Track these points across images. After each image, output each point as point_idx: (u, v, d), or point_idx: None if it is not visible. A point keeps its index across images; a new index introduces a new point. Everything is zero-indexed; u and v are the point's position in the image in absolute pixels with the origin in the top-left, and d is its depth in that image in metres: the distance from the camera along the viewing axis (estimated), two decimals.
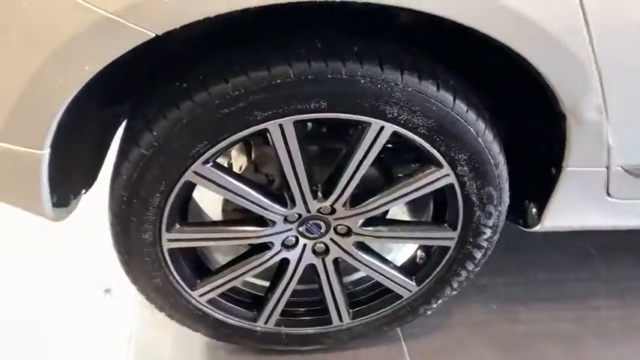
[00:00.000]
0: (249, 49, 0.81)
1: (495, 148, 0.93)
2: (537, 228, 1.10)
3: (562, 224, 1.09)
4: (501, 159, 0.95)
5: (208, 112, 0.80)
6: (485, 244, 1.06)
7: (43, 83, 0.72)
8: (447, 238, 1.05)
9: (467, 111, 0.87)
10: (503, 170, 0.97)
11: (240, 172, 1.02)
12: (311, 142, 0.98)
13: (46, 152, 0.81)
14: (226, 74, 0.79)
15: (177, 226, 0.95)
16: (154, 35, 0.69)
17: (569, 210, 1.06)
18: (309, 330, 1.18)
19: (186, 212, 0.99)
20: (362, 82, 0.80)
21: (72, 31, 0.68)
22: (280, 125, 0.84)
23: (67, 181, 0.93)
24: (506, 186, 0.99)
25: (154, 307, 1.07)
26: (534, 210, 1.09)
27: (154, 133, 0.82)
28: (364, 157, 0.90)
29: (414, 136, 0.88)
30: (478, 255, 1.08)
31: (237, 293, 1.13)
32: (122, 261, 0.98)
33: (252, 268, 1.05)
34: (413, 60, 0.83)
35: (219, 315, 1.10)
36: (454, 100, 0.86)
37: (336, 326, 1.17)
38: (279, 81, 0.79)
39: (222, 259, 1.12)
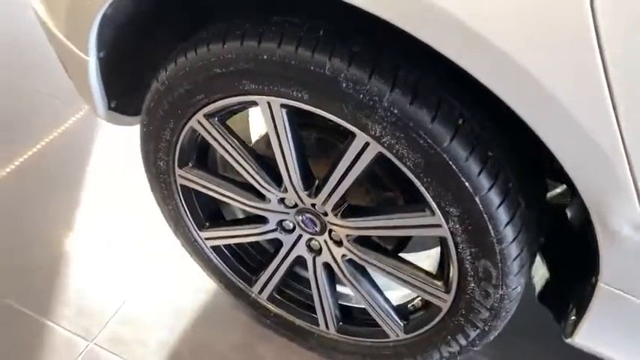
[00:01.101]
0: (258, 17, 0.79)
1: (502, 217, 0.75)
2: (569, 340, 0.87)
3: (594, 347, 0.84)
4: (509, 234, 0.77)
5: (205, 67, 0.82)
6: (480, 324, 0.88)
7: None
8: (438, 297, 0.90)
9: (466, 159, 0.72)
10: (511, 248, 0.78)
11: (251, 140, 1.02)
12: (313, 131, 0.93)
13: (92, 59, 0.93)
14: (227, 36, 0.79)
15: (190, 165, 1.01)
16: None
17: (602, 334, 0.81)
18: (297, 321, 1.15)
19: (205, 157, 1.04)
20: (343, 85, 0.72)
21: None
22: (268, 103, 0.81)
23: (125, 91, 1.05)
24: (514, 268, 0.80)
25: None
26: (573, 317, 0.86)
27: (167, 73, 0.88)
28: (348, 169, 0.82)
29: (402, 166, 0.76)
30: (471, 333, 0.90)
31: (245, 252, 1.16)
32: (148, 179, 1.09)
33: (246, 235, 1.07)
34: (414, 80, 0.71)
35: (220, 265, 1.15)
36: (451, 140, 0.71)
37: (322, 331, 1.12)
38: (265, 57, 0.76)
39: (232, 214, 1.15)
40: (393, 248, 1.00)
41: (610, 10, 0.52)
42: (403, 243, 1.01)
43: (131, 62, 1.00)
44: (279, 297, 1.15)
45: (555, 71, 0.56)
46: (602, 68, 0.54)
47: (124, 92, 1.05)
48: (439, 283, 0.89)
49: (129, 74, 1.02)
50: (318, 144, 0.94)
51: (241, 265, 1.15)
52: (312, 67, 0.73)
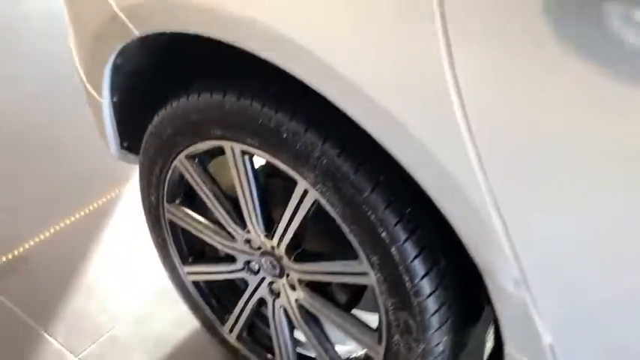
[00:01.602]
0: (228, 77, 0.93)
1: (418, 270, 0.80)
2: None
3: None
4: (426, 288, 0.81)
5: (184, 115, 0.96)
6: None
7: (95, 47, 1.01)
8: (373, 348, 0.94)
9: (384, 209, 0.79)
10: (429, 303, 0.82)
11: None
12: (277, 177, 1.02)
13: (106, 102, 1.10)
14: (201, 90, 0.93)
15: (177, 202, 1.14)
16: (138, 34, 0.89)
17: None
18: None
19: (192, 195, 1.16)
20: (284, 135, 0.83)
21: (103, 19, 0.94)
22: (232, 149, 0.93)
23: (136, 132, 1.21)
24: (433, 324, 0.84)
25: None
26: None
27: (158, 118, 1.03)
28: (293, 214, 0.91)
29: (333, 213, 0.85)
30: None
31: (220, 289, 1.24)
32: (144, 213, 1.22)
33: (219, 273, 1.16)
34: (343, 135, 0.81)
35: (199, 300, 1.24)
36: (371, 191, 0.79)
37: None
38: (227, 107, 0.89)
39: (215, 252, 1.25)
40: (347, 300, 1.05)
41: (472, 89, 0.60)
42: (357, 295, 1.06)
43: (141, 107, 1.16)
44: (247, 337, 1.22)
45: (426, 126, 0.65)
46: (468, 130, 0.62)
47: (135, 133, 1.21)
48: (374, 334, 0.94)
49: (139, 117, 1.18)
50: (280, 190, 1.04)
51: (216, 302, 1.24)
52: (261, 119, 0.85)
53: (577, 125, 0.57)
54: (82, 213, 1.71)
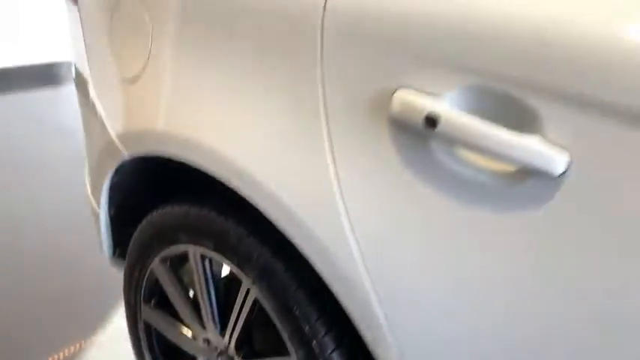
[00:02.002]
0: (194, 184, 1.12)
1: None
2: None
3: None
4: None
5: (159, 222, 1.14)
6: None
7: (98, 166, 1.24)
8: None
9: (308, 305, 0.92)
10: None
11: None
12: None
13: (103, 214, 1.30)
14: (174, 203, 1.12)
15: (152, 303, 1.28)
16: (127, 156, 1.11)
17: None
18: None
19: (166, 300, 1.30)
20: (232, 239, 1.00)
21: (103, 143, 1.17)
22: (193, 252, 1.09)
23: (128, 242, 1.39)
24: None
25: None
26: None
27: (140, 225, 1.21)
28: (238, 314, 1.04)
29: (268, 310, 0.97)
30: None
31: None
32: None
33: None
34: (276, 239, 0.96)
35: None
36: (296, 289, 0.93)
37: None
38: (184, 215, 1.07)
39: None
40: None
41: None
42: None
43: (134, 219, 1.36)
44: None
45: (317, 225, 0.80)
46: (352, 231, 0.77)
47: (127, 243, 1.39)
48: None
49: (132, 229, 1.37)
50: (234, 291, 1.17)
51: None
52: (215, 226, 1.02)
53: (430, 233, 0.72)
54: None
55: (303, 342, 0.93)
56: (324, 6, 0.75)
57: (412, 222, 0.72)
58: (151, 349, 1.31)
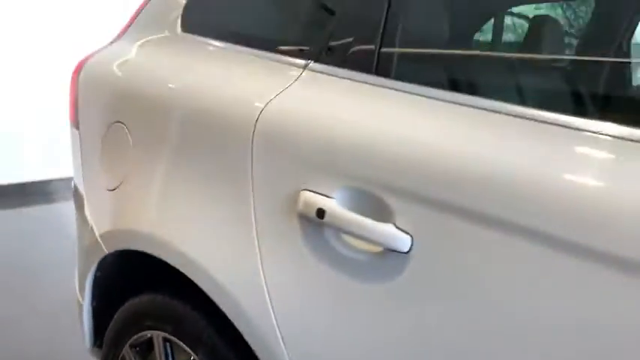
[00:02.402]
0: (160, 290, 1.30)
1: None
2: None
3: None
4: None
5: (128, 311, 1.32)
6: None
7: (84, 261, 1.44)
8: None
9: None
10: None
11: None
12: None
13: (85, 303, 1.48)
14: (143, 293, 1.31)
15: None
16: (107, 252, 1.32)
17: None
18: None
19: None
20: (185, 322, 1.17)
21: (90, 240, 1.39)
22: (156, 336, 1.26)
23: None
24: None
25: None
26: None
27: (116, 316, 1.38)
28: None
29: None
30: None
31: None
32: None
33: None
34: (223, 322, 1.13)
35: None
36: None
37: None
38: (149, 303, 1.25)
39: None
40: None
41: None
42: None
43: (114, 313, 1.53)
44: None
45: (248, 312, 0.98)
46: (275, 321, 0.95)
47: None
48: None
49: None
50: None
51: None
52: (174, 312, 1.20)
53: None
54: None
55: None
56: (254, 132, 1.00)
57: (316, 295, 0.91)
58: None
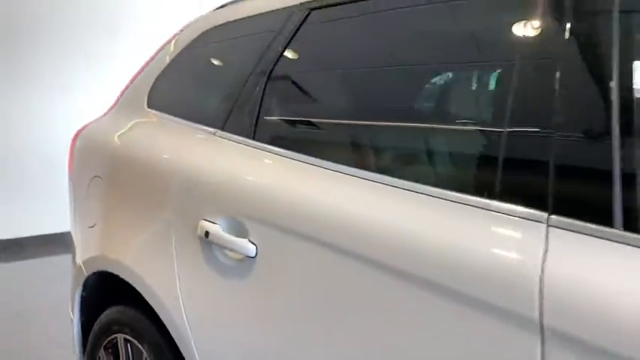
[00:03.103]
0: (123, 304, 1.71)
1: None
2: None
3: None
4: None
5: (102, 321, 1.72)
6: None
7: (72, 284, 1.86)
8: None
9: None
10: None
11: None
12: None
13: (75, 319, 1.89)
14: (110, 305, 1.71)
15: None
16: (87, 275, 1.73)
17: None
18: None
19: None
20: (137, 326, 1.56)
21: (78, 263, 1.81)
22: (120, 337, 1.65)
23: None
24: None
25: None
26: None
27: (94, 326, 1.79)
28: None
29: None
30: None
31: None
32: None
33: None
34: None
35: None
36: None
37: None
38: (117, 313, 1.65)
39: None
40: None
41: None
42: None
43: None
44: None
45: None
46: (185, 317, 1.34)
47: None
48: None
49: None
50: None
51: None
52: (130, 319, 1.60)
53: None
54: None
55: None
56: (169, 179, 1.42)
57: (208, 292, 1.30)
58: None
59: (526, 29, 0.93)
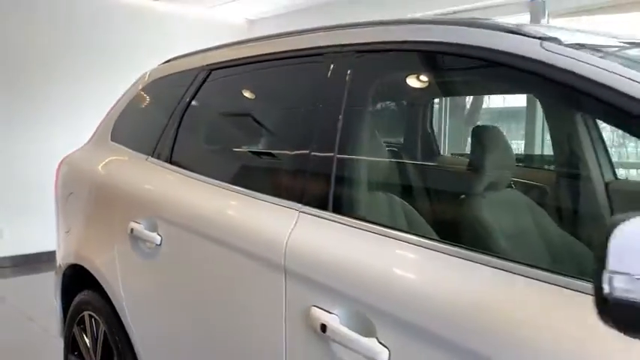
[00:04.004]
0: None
1: None
2: None
3: None
4: None
5: (76, 303, 2.26)
6: None
7: (55, 280, 2.41)
8: None
9: (118, 333, 1.97)
10: None
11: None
12: None
13: (57, 305, 2.43)
14: (83, 289, 2.24)
15: (74, 353, 2.32)
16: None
17: None
18: None
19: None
20: (95, 304, 2.09)
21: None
22: (87, 314, 2.18)
23: None
24: None
25: None
26: None
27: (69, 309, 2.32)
28: (96, 344, 2.09)
29: (108, 334, 2.03)
30: None
31: None
32: None
33: None
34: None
35: None
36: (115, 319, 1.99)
37: None
38: (86, 296, 2.18)
39: None
40: None
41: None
42: None
43: None
44: None
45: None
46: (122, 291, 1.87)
47: None
48: None
49: None
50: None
51: None
52: (94, 300, 2.13)
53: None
54: None
55: (118, 347, 1.96)
56: (109, 191, 1.96)
57: (136, 274, 1.83)
58: None
59: (306, 95, 1.47)
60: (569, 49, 1.04)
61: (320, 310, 1.18)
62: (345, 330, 1.13)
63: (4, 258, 5.38)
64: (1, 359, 3.38)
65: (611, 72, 0.94)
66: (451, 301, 0.99)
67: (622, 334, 0.63)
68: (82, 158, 2.40)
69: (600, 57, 1.01)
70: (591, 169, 1.94)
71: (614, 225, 0.63)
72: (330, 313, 1.16)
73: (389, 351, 1.05)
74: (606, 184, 1.92)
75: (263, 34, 1.77)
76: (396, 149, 2.26)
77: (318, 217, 1.29)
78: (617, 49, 1.22)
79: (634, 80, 0.91)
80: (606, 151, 2.06)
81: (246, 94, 1.75)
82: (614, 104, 0.91)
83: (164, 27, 5.98)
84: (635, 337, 0.64)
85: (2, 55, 5.20)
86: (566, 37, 1.10)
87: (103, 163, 2.20)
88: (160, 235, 1.72)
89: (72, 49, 5.49)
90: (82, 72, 5.53)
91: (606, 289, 0.61)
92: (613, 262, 0.61)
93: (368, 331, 1.09)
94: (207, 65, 1.93)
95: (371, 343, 1.08)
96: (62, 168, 2.49)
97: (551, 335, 0.85)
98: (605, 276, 0.62)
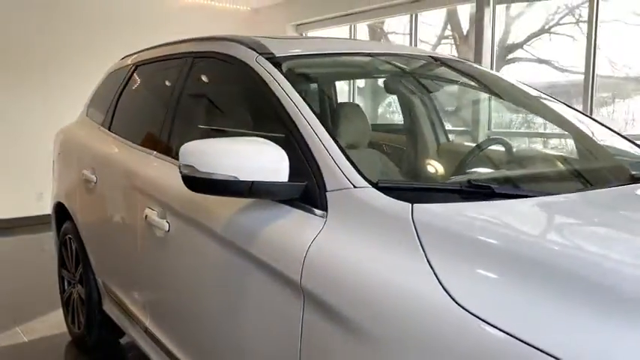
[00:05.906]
0: None
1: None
2: None
3: None
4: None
5: (63, 230, 3.22)
6: None
7: (51, 212, 3.38)
8: None
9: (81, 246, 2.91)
10: None
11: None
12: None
13: (53, 232, 3.40)
14: None
15: (63, 265, 3.28)
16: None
17: None
18: None
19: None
20: (73, 229, 3.04)
21: None
22: (66, 238, 3.13)
23: None
24: None
25: None
26: None
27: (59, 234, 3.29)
28: (74, 258, 3.04)
29: (78, 250, 2.97)
30: None
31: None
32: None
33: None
34: None
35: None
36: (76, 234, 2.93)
37: None
38: (68, 225, 3.14)
39: None
40: None
41: None
42: None
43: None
44: None
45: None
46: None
47: None
48: None
49: None
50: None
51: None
52: (69, 225, 3.08)
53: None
54: None
55: (83, 260, 2.90)
56: (84, 154, 2.88)
57: (84, 202, 2.75)
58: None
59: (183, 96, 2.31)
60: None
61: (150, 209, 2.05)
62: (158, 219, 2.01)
63: (47, 215, 6.52)
64: (44, 297, 4.42)
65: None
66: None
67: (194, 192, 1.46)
68: (68, 128, 3.34)
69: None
70: (426, 134, 2.71)
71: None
72: (152, 210, 2.04)
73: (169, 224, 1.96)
74: (438, 145, 2.70)
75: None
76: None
77: (163, 160, 2.14)
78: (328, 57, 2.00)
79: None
80: (441, 121, 2.82)
81: (150, 83, 2.62)
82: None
83: (169, 16, 6.75)
84: (196, 192, 1.46)
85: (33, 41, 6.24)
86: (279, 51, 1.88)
87: (75, 130, 3.13)
88: (96, 177, 2.62)
89: (78, 40, 6.43)
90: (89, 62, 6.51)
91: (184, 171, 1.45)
92: (182, 159, 1.46)
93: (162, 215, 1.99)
94: (135, 63, 2.79)
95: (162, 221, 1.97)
96: (58, 135, 3.45)
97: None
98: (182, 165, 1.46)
